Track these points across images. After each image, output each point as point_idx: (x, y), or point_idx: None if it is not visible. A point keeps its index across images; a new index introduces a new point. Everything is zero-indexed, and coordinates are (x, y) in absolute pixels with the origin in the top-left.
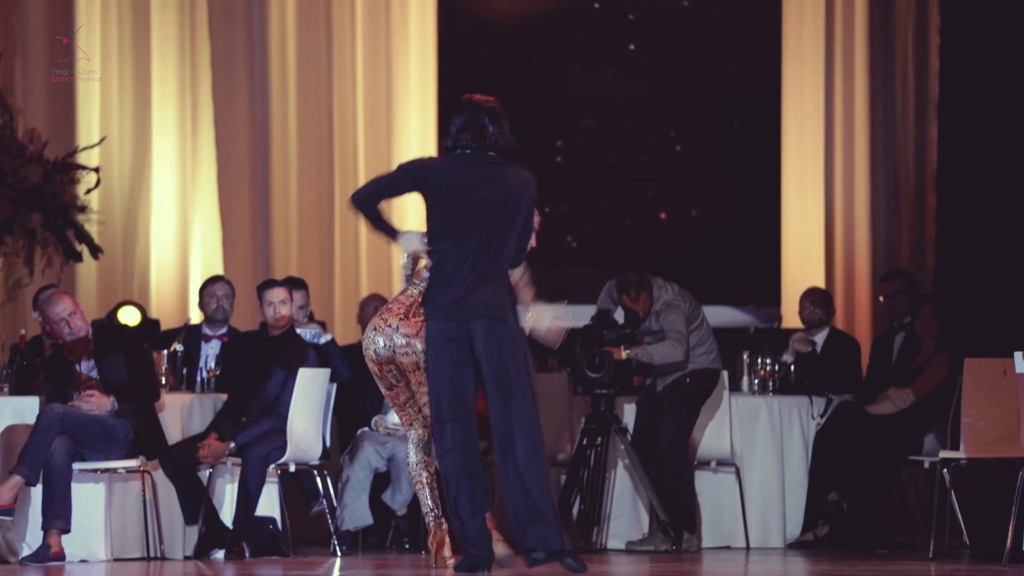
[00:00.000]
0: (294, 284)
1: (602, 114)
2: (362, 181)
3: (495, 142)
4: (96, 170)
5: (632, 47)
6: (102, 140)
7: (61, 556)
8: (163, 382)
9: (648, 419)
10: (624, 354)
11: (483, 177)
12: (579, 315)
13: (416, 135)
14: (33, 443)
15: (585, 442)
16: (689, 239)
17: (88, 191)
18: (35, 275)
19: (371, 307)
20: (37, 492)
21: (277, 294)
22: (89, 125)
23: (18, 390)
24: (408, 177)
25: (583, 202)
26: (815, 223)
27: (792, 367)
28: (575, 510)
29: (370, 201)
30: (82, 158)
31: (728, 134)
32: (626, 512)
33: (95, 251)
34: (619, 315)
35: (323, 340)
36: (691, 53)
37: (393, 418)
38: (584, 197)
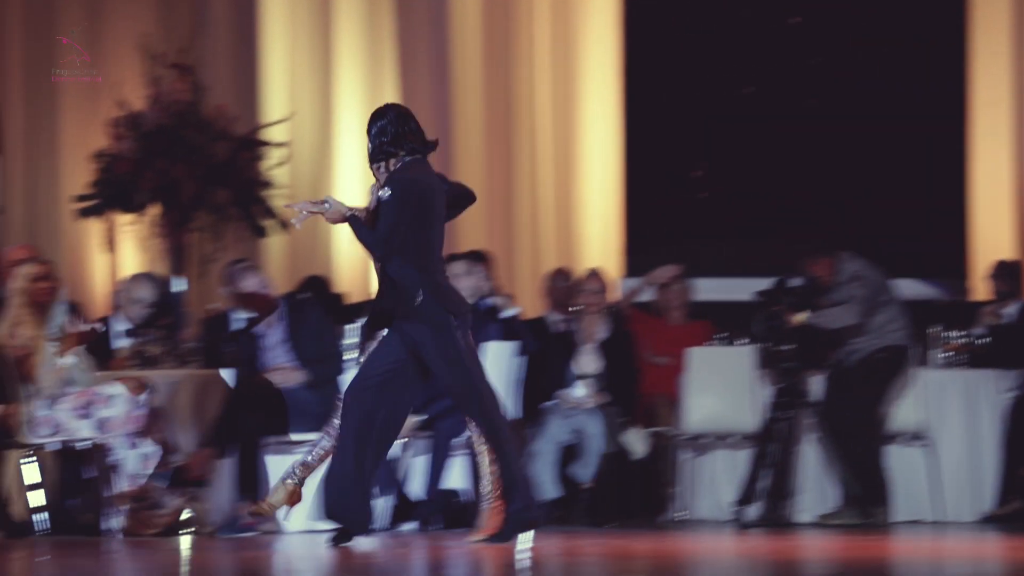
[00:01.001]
0: (476, 258)
1: (778, 85)
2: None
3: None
4: (283, 145)
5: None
6: (290, 116)
7: (253, 527)
8: (350, 357)
9: (838, 393)
10: (800, 318)
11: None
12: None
13: (597, 100)
14: (224, 416)
15: (773, 416)
16: (876, 210)
17: (275, 166)
18: (224, 250)
19: (557, 281)
20: (229, 464)
21: (458, 267)
22: (275, 101)
23: (208, 363)
24: (423, 204)
25: (763, 174)
26: (1004, 193)
27: (983, 340)
28: (763, 484)
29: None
30: (267, 133)
31: (913, 102)
32: (816, 486)
33: (284, 225)
34: None
35: (509, 314)
36: (874, 23)
37: (577, 392)
38: (763, 168)
